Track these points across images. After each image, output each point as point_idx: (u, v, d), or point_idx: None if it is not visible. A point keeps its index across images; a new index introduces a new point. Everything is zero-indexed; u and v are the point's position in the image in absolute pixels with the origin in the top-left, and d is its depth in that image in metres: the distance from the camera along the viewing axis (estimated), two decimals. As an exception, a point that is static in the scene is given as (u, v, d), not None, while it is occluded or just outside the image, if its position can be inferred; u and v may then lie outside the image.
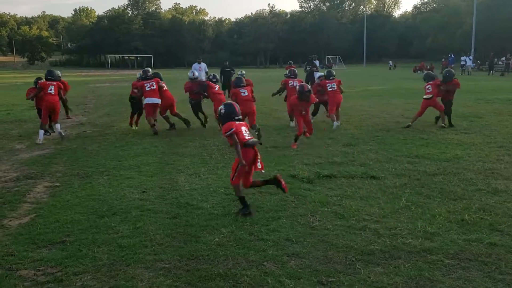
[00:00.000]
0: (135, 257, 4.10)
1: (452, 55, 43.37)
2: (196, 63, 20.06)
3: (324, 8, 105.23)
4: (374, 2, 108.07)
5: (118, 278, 3.71)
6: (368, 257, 4.02)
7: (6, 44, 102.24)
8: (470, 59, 42.83)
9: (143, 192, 6.12)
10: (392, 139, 9.44)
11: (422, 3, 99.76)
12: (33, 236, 4.63)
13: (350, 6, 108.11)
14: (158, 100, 11.15)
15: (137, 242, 4.43)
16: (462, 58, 43.14)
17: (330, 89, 11.33)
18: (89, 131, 11.48)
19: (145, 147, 9.30)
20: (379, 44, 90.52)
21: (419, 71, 48.55)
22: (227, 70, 20.33)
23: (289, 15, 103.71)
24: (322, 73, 12.84)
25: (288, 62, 26.70)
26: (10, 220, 5.13)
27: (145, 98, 11.11)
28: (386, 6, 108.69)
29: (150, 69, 11.97)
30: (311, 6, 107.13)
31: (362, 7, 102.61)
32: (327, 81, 11.51)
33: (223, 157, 8.10)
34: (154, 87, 11.12)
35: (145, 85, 11.12)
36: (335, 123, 11.14)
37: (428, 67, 47.93)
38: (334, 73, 11.89)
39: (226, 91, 20.12)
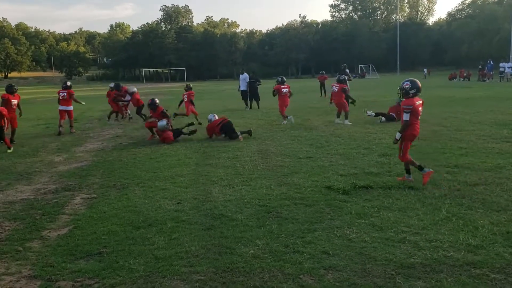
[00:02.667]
0: (171, 269, 4.09)
1: (491, 62, 42.18)
2: (241, 74, 21.36)
3: (356, 17, 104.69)
4: (407, 10, 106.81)
5: (154, 290, 3.71)
6: (408, 270, 3.89)
7: (45, 60, 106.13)
8: (509, 67, 41.56)
9: (178, 203, 6.14)
10: (429, 148, 9.20)
11: (456, 10, 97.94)
12: (71, 248, 4.70)
13: (383, 15, 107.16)
14: (68, 107, 14.38)
15: (173, 253, 4.43)
16: (500, 64, 41.91)
17: (283, 94, 14.25)
18: (125, 143, 11.69)
19: (179, 158, 9.38)
20: (412, 52, 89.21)
21: (455, 79, 47.48)
22: (252, 81, 20.57)
23: (320, 25, 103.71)
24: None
25: (320, 72, 26.67)
26: (49, 232, 5.24)
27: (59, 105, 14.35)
28: (419, 13, 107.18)
29: (68, 82, 15.42)
30: (343, 16, 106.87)
31: (394, 15, 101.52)
32: (281, 86, 14.35)
33: (256, 168, 8.07)
34: (66, 97, 14.34)
35: (60, 93, 14.38)
36: (290, 117, 14.25)
37: (465, 74, 46.84)
38: (285, 79, 15.04)
39: (253, 101, 20.36)
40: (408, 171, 6.75)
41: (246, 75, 20.93)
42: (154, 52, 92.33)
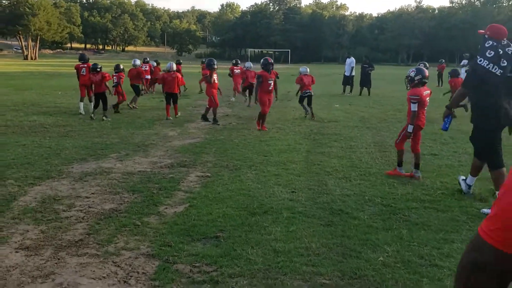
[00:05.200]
0: (291, 265, 3.79)
1: None
2: (348, 58, 20.58)
3: (478, 4, 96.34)
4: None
5: (276, 289, 3.43)
6: None
7: (159, 36, 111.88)
8: None
9: (293, 192, 5.84)
10: None
11: None
12: (188, 228, 4.59)
13: (510, 2, 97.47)
14: None
15: (292, 248, 4.12)
16: None
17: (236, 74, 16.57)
18: (234, 123, 11.67)
19: (289, 143, 9.09)
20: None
21: None
22: (364, 66, 19.58)
23: (437, 11, 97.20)
24: None
25: (440, 60, 24.84)
26: (166, 208, 5.20)
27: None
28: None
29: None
30: (463, 2, 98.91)
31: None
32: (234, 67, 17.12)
33: (374, 161, 7.51)
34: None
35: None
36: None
37: None
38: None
39: (364, 89, 19.47)
40: (400, 163, 6.72)
41: (352, 59, 20.05)
42: (261, 32, 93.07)
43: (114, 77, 13.14)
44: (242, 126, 11.17)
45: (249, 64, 16.33)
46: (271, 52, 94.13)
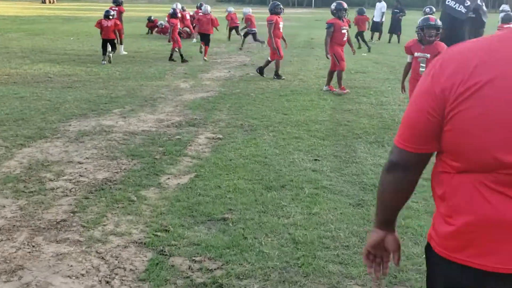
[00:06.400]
0: (314, 263, 3.05)
1: None
2: (378, 1, 18.69)
3: None
4: None
5: (294, 299, 2.71)
6: None
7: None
8: None
9: (315, 160, 5.05)
10: None
11: None
12: (191, 205, 3.88)
13: None
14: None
15: (315, 237, 3.38)
16: None
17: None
18: (252, 74, 10.75)
19: (312, 98, 8.21)
20: None
21: None
22: (395, 11, 18.09)
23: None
24: None
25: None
26: (168, 178, 4.48)
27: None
28: None
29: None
30: None
31: None
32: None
33: (409, 122, 6.61)
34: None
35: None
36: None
37: None
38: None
39: (393, 35, 18.09)
40: None
41: (383, 3, 18.50)
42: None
43: (170, 23, 13.18)
44: (260, 78, 10.26)
45: (230, 8, 18.52)
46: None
